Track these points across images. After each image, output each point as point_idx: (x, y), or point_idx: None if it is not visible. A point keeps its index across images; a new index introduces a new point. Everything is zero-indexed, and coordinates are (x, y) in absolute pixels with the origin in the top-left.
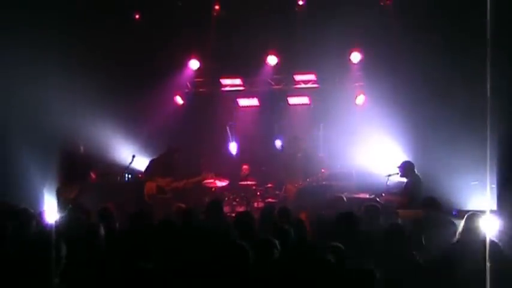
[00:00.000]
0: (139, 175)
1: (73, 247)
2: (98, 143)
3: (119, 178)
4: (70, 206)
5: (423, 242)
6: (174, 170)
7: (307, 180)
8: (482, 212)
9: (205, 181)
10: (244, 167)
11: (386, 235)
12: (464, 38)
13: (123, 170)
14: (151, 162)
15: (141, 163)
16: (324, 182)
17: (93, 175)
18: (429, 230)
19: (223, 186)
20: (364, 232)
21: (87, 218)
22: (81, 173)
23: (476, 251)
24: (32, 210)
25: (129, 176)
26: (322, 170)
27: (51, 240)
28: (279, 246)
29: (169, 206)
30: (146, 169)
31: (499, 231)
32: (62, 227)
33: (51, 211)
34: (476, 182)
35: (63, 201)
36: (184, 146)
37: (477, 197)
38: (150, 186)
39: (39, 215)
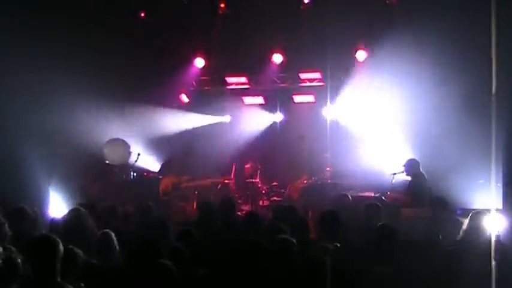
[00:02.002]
0: (145, 173)
1: (73, 244)
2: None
3: (124, 176)
4: (74, 204)
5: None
6: (191, 168)
7: (312, 178)
8: (488, 210)
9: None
10: (247, 166)
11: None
12: (471, 35)
13: (129, 168)
14: (167, 161)
15: (146, 161)
16: (328, 181)
17: (111, 173)
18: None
19: (228, 185)
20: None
21: (93, 216)
22: (101, 171)
23: (480, 249)
24: (34, 209)
25: (134, 174)
26: (327, 169)
27: (50, 238)
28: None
29: (182, 203)
30: (162, 167)
31: (505, 230)
32: (63, 225)
33: (55, 210)
34: (482, 181)
35: (85, 198)
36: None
37: (483, 195)
38: (165, 183)
39: (40, 214)
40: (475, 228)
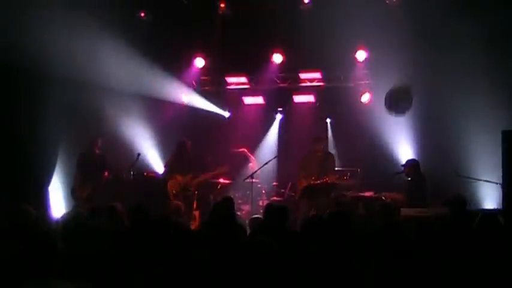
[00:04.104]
0: (145, 173)
1: (71, 244)
2: (106, 141)
3: (124, 176)
4: (75, 204)
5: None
6: (191, 164)
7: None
8: (494, 211)
9: (211, 178)
10: (250, 164)
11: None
12: (472, 35)
13: (129, 168)
14: (168, 161)
15: (146, 161)
16: (328, 181)
17: (106, 173)
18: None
19: (227, 184)
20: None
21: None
22: (95, 171)
23: (489, 250)
24: (34, 209)
25: (133, 174)
26: (336, 169)
27: (48, 237)
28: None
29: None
30: (165, 168)
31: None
32: (62, 225)
33: (55, 209)
34: (480, 180)
35: (77, 201)
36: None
37: (483, 196)
38: (173, 184)
39: (41, 213)
40: (482, 230)
